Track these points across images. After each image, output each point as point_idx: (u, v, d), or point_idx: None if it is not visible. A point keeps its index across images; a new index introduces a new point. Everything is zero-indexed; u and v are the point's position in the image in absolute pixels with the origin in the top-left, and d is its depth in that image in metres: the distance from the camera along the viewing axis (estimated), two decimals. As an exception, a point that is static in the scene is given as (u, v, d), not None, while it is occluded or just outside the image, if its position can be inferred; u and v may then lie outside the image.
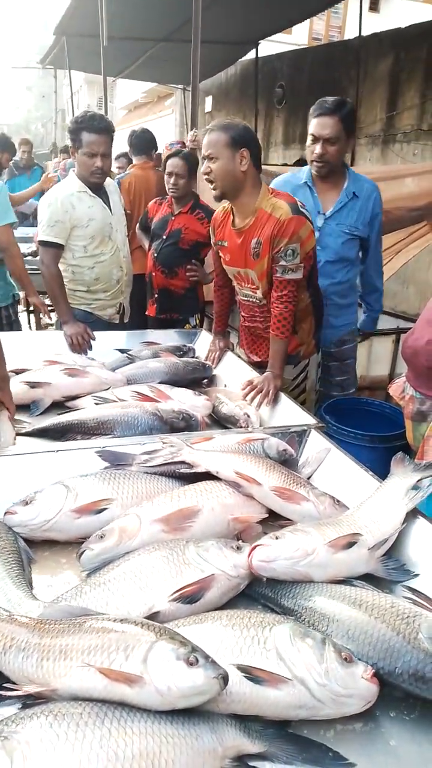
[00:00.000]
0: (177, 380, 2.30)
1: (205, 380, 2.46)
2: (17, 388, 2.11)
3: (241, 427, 1.98)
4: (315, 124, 2.44)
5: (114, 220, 2.85)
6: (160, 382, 2.24)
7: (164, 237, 3.35)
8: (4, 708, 0.95)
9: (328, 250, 2.58)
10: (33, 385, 2.12)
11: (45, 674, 0.95)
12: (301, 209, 2.15)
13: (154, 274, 3.41)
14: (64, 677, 0.93)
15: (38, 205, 2.82)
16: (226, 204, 2.29)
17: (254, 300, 2.35)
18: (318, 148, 2.45)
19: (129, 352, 2.57)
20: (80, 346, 2.63)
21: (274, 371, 2.20)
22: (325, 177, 2.55)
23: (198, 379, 2.42)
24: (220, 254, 2.39)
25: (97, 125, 2.62)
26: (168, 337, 2.86)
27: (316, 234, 2.48)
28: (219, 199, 2.22)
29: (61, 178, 4.49)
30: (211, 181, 2.13)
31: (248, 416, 2.03)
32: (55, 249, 2.73)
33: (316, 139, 2.45)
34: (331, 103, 2.41)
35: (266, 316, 2.33)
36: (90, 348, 2.65)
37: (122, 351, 2.60)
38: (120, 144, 6.30)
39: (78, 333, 2.65)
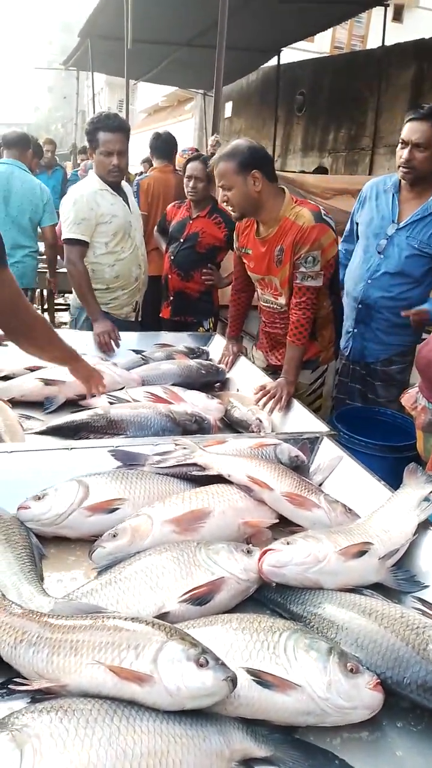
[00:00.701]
0: (190, 383, 2.31)
1: (218, 384, 2.47)
2: (32, 384, 2.14)
3: (253, 431, 1.98)
4: (406, 129, 2.38)
5: (133, 218, 2.89)
6: (173, 384, 2.25)
7: (181, 240, 3.36)
8: (13, 702, 0.96)
9: (390, 261, 2.51)
10: (48, 382, 2.14)
11: (55, 670, 0.95)
12: (324, 217, 2.16)
13: (170, 276, 3.43)
14: (74, 673, 0.94)
15: (61, 204, 2.84)
16: None
17: (276, 306, 2.37)
18: (405, 153, 2.38)
19: (143, 353, 2.59)
20: (106, 345, 2.65)
21: (288, 377, 2.20)
22: (413, 185, 2.47)
23: (211, 382, 2.43)
24: (244, 260, 2.40)
25: (112, 124, 2.67)
26: (181, 340, 2.87)
27: (383, 242, 2.47)
28: (240, 219, 2.26)
29: (81, 179, 4.54)
30: (231, 206, 2.17)
31: (260, 421, 2.03)
32: (82, 246, 2.76)
33: (405, 144, 2.39)
34: (426, 109, 2.33)
35: (286, 323, 2.33)
36: (117, 346, 2.67)
37: (136, 352, 2.61)
38: (141, 147, 6.35)
39: (105, 332, 2.67)
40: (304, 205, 2.19)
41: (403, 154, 2.39)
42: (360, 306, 2.60)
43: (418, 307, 2.44)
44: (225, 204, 2.21)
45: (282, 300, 2.31)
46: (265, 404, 2.12)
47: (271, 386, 2.16)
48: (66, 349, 1.98)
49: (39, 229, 4.07)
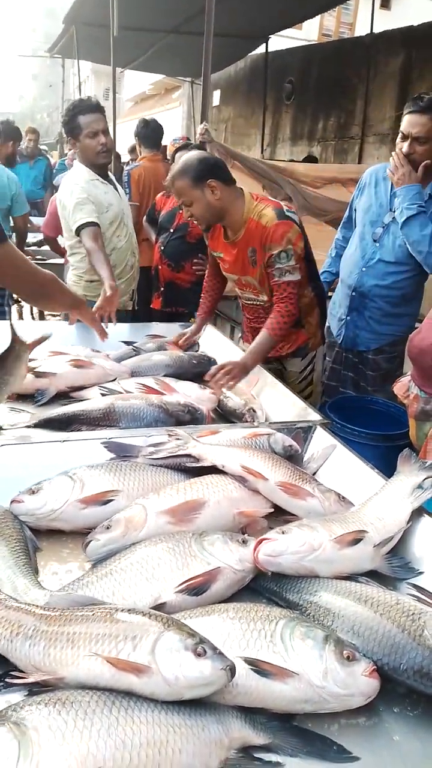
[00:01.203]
0: (182, 373, 2.31)
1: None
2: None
3: (246, 421, 1.98)
4: (405, 121, 2.35)
5: (125, 206, 2.86)
6: (164, 375, 2.25)
7: (171, 230, 3.34)
8: (11, 695, 0.96)
9: (386, 250, 2.51)
10: (38, 374, 2.12)
11: (52, 662, 0.95)
12: (287, 213, 2.16)
13: (160, 267, 3.42)
14: (71, 666, 0.94)
15: (57, 200, 2.78)
16: None
17: (259, 303, 2.37)
18: (405, 147, 2.36)
19: (134, 345, 2.57)
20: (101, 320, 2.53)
21: (248, 362, 2.13)
22: None
23: (203, 372, 2.42)
24: (218, 262, 2.41)
25: (90, 104, 2.66)
26: (172, 331, 2.85)
27: (379, 230, 2.48)
28: (207, 230, 2.27)
29: (69, 168, 4.49)
30: (196, 221, 2.19)
31: (253, 411, 2.03)
32: (94, 227, 2.65)
33: (404, 137, 2.37)
34: (426, 101, 2.28)
35: None
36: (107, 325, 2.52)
37: (127, 343, 2.60)
38: (128, 135, 6.28)
39: (108, 311, 2.48)
40: (265, 202, 2.19)
41: (402, 147, 2.37)
42: (354, 294, 2.60)
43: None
44: (191, 218, 2.22)
45: (264, 296, 2.32)
46: (213, 377, 2.07)
47: (228, 364, 2.12)
48: (74, 296, 2.13)
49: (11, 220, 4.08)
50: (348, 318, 2.66)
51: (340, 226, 2.84)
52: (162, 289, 3.45)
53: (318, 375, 2.56)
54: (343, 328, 2.70)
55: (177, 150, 3.37)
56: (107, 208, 2.73)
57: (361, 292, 2.58)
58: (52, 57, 11.02)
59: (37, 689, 0.95)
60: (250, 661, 0.96)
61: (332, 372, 2.80)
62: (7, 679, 0.97)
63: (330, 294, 2.84)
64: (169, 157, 3.98)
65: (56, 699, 0.88)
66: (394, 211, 2.47)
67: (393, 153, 2.19)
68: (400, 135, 2.40)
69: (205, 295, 2.62)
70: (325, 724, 0.99)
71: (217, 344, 2.68)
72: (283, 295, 2.18)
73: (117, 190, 2.84)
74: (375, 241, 2.53)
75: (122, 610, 1.00)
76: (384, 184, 2.54)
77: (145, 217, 3.81)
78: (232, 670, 0.91)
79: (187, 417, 1.92)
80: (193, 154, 2.15)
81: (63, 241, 3.09)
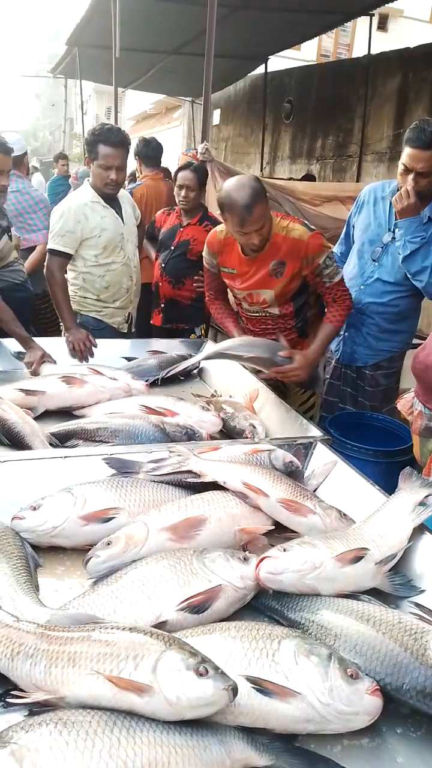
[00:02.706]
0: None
1: (195, 371, 2.56)
2: (11, 395, 2.09)
3: (247, 437, 1.98)
4: (409, 156, 2.33)
5: (125, 230, 2.87)
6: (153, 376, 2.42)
7: (172, 248, 3.37)
8: (11, 715, 0.95)
9: (385, 270, 2.53)
10: (28, 392, 2.12)
11: (53, 681, 0.95)
12: (312, 226, 2.25)
13: (161, 284, 3.43)
14: (72, 685, 0.93)
15: (53, 213, 2.83)
16: (223, 228, 2.32)
17: (268, 315, 2.39)
18: (410, 181, 2.36)
19: (135, 361, 2.59)
20: (81, 353, 2.62)
21: (317, 354, 2.27)
22: None
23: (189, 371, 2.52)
24: (225, 279, 2.41)
25: (114, 138, 2.65)
26: (173, 347, 2.86)
27: (378, 250, 2.52)
28: (262, 249, 2.22)
29: (73, 187, 4.53)
30: (259, 241, 2.17)
31: (254, 427, 2.03)
32: (63, 258, 2.78)
33: (407, 171, 2.36)
34: (429, 136, 2.27)
35: (281, 325, 2.38)
36: (92, 355, 2.64)
37: (128, 359, 2.61)
38: (130, 155, 6.34)
39: (79, 340, 2.64)
40: (288, 219, 2.26)
41: (407, 180, 2.37)
42: (352, 311, 2.62)
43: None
44: (253, 245, 2.16)
45: (275, 309, 2.35)
46: (283, 372, 2.18)
47: (296, 359, 2.18)
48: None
49: None
50: (346, 334, 2.68)
51: (338, 242, 2.87)
52: (162, 305, 3.46)
53: (320, 386, 2.58)
54: (341, 344, 2.72)
55: (178, 171, 3.39)
56: (100, 233, 2.76)
57: (359, 309, 2.60)
58: (55, 77, 11.19)
59: (37, 709, 0.94)
60: (253, 680, 0.95)
61: (330, 387, 2.81)
62: (7, 699, 0.97)
63: None
64: (179, 165, 3.98)
65: (57, 719, 0.87)
66: (394, 231, 2.50)
67: (397, 405, 2.13)
68: (401, 167, 2.40)
69: (223, 310, 2.57)
70: (327, 745, 0.98)
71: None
72: (338, 295, 2.29)
73: (121, 215, 2.86)
74: (374, 260, 2.55)
75: (123, 629, 0.99)
76: (382, 203, 2.56)
77: (144, 235, 3.83)
78: (234, 690, 0.91)
79: (185, 438, 1.91)
80: (248, 178, 2.14)
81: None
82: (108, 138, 2.65)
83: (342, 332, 2.69)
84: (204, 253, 2.45)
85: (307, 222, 2.28)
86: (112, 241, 2.80)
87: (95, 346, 2.67)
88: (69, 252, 2.76)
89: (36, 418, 2.00)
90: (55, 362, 2.43)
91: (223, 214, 2.14)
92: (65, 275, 2.87)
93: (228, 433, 2.11)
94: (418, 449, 1.97)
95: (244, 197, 2.04)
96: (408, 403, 1.98)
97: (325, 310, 2.37)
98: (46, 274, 2.82)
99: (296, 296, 2.34)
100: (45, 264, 2.84)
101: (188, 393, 2.41)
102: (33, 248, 3.95)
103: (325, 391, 2.82)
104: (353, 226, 2.73)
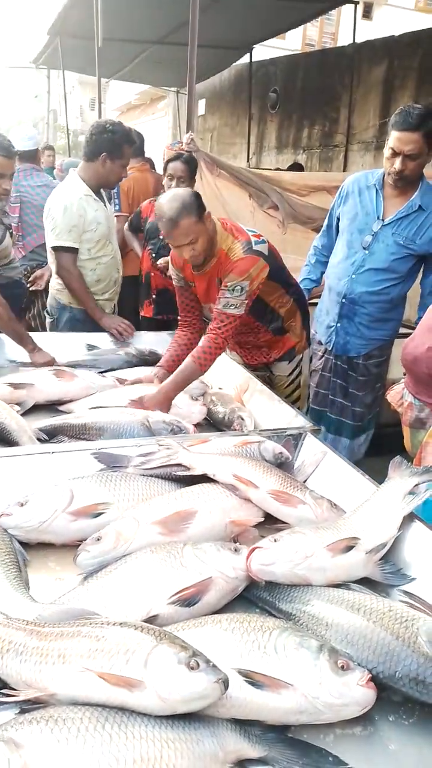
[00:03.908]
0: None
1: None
2: (1, 390, 2.08)
3: (235, 429, 1.98)
4: (396, 139, 2.31)
5: (112, 223, 2.87)
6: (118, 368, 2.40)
7: (161, 237, 3.33)
8: (1, 712, 0.94)
9: (376, 258, 2.51)
10: (16, 386, 2.10)
11: (43, 678, 0.94)
12: (254, 248, 2.09)
13: (152, 274, 3.40)
14: (62, 681, 0.92)
15: (50, 208, 2.74)
16: None
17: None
18: (398, 164, 2.34)
19: (96, 351, 2.61)
20: (125, 331, 2.74)
21: (170, 392, 2.03)
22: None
23: (149, 361, 2.51)
24: (191, 291, 2.36)
25: (138, 146, 2.87)
26: (162, 340, 2.85)
27: (368, 238, 2.50)
28: (203, 266, 2.16)
29: (59, 179, 4.45)
30: (198, 259, 2.09)
31: (242, 419, 2.02)
32: (73, 253, 2.75)
33: (395, 154, 2.34)
34: (416, 118, 2.25)
35: (255, 331, 2.36)
36: (132, 333, 2.77)
37: (91, 347, 2.62)
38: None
39: (117, 323, 2.76)
40: (235, 235, 2.12)
41: (394, 163, 2.35)
42: (344, 301, 2.61)
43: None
44: (191, 258, 2.09)
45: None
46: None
47: (146, 397, 2.03)
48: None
49: None
50: (338, 325, 2.67)
51: (320, 234, 2.85)
52: (154, 296, 3.44)
53: (306, 378, 2.57)
54: (333, 335, 2.70)
55: (168, 162, 3.35)
56: (96, 228, 2.75)
57: (351, 299, 2.59)
58: (37, 68, 11.04)
59: (28, 706, 0.93)
60: (244, 673, 0.95)
61: (321, 380, 2.81)
62: (-3, 698, 0.96)
63: (316, 300, 2.85)
64: (164, 159, 3.94)
65: (48, 716, 0.86)
66: (383, 219, 2.49)
67: (387, 396, 2.07)
68: (389, 151, 2.38)
69: (171, 351, 2.38)
70: (320, 735, 0.98)
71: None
72: (219, 326, 2.09)
73: (106, 207, 2.86)
74: (364, 249, 2.54)
75: (114, 624, 0.99)
76: (368, 192, 2.55)
77: (127, 225, 3.79)
78: (225, 683, 0.90)
79: (170, 435, 1.89)
80: (182, 191, 2.09)
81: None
82: (132, 140, 2.78)
83: (333, 323, 2.68)
84: (170, 270, 2.37)
85: (254, 240, 2.11)
86: (104, 234, 2.80)
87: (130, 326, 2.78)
88: (77, 247, 2.74)
89: (23, 414, 1.98)
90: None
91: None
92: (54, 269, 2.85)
93: (216, 425, 2.10)
94: (408, 441, 1.97)
95: (171, 210, 1.96)
96: (398, 394, 1.98)
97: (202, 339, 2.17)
98: (60, 273, 2.77)
99: (251, 309, 2.19)
100: (56, 263, 2.76)
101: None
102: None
103: (316, 383, 2.82)
104: (338, 218, 2.72)
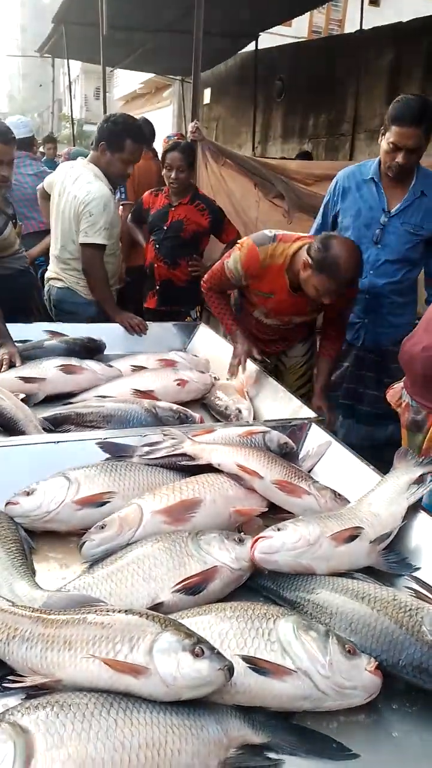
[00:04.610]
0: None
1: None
2: (10, 382, 2.08)
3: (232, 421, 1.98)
4: (398, 134, 2.28)
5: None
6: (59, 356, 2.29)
7: (165, 228, 3.32)
8: (8, 698, 0.95)
9: (390, 249, 2.50)
10: (27, 380, 2.11)
11: (49, 665, 0.95)
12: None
13: (156, 265, 3.39)
14: (68, 668, 0.93)
15: (87, 203, 2.66)
16: (267, 253, 2.20)
17: (284, 327, 2.42)
18: (401, 158, 2.32)
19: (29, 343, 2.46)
20: (138, 326, 2.71)
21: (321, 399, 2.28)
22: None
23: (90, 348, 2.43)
24: (252, 297, 2.36)
25: (143, 136, 2.70)
26: (167, 331, 2.85)
27: (378, 232, 2.49)
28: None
29: (60, 163, 4.44)
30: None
31: (239, 411, 2.02)
32: (103, 250, 2.75)
33: (397, 149, 2.31)
34: (416, 112, 2.23)
35: (285, 335, 2.46)
36: (146, 327, 2.74)
37: (52, 333, 2.51)
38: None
39: (131, 318, 2.74)
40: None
41: (396, 157, 2.33)
42: (367, 296, 2.58)
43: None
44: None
45: (297, 321, 2.40)
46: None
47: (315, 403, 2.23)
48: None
49: None
50: (366, 320, 2.62)
51: (312, 232, 2.79)
52: (158, 287, 3.43)
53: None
54: (361, 330, 2.65)
55: (166, 152, 3.34)
56: (118, 224, 2.80)
57: (374, 293, 2.57)
58: (42, 57, 10.97)
59: (34, 692, 0.94)
60: (248, 660, 0.96)
61: (352, 375, 2.76)
62: (4, 684, 0.97)
63: None
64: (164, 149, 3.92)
65: (54, 702, 0.87)
66: (389, 211, 2.48)
67: (387, 395, 2.06)
68: (389, 146, 2.34)
69: (221, 307, 2.47)
70: (324, 721, 0.98)
71: (210, 343, 2.67)
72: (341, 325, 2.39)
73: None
74: (376, 243, 2.52)
75: (119, 611, 0.99)
76: (367, 186, 2.52)
77: (129, 216, 3.78)
78: (230, 670, 0.91)
79: (177, 423, 1.90)
80: (357, 250, 2.07)
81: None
82: (138, 135, 2.69)
83: (359, 319, 2.64)
84: (232, 265, 2.28)
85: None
86: (118, 228, 2.82)
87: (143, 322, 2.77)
88: (108, 244, 2.75)
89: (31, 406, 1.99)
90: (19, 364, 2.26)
91: (315, 271, 2.02)
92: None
93: (216, 416, 2.10)
94: (406, 444, 1.92)
95: (349, 273, 2.02)
96: (396, 394, 1.94)
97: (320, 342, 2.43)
98: (90, 270, 2.74)
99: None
100: (89, 259, 2.72)
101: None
102: (39, 232, 3.83)
103: (347, 379, 2.77)
104: (336, 216, 2.67)
